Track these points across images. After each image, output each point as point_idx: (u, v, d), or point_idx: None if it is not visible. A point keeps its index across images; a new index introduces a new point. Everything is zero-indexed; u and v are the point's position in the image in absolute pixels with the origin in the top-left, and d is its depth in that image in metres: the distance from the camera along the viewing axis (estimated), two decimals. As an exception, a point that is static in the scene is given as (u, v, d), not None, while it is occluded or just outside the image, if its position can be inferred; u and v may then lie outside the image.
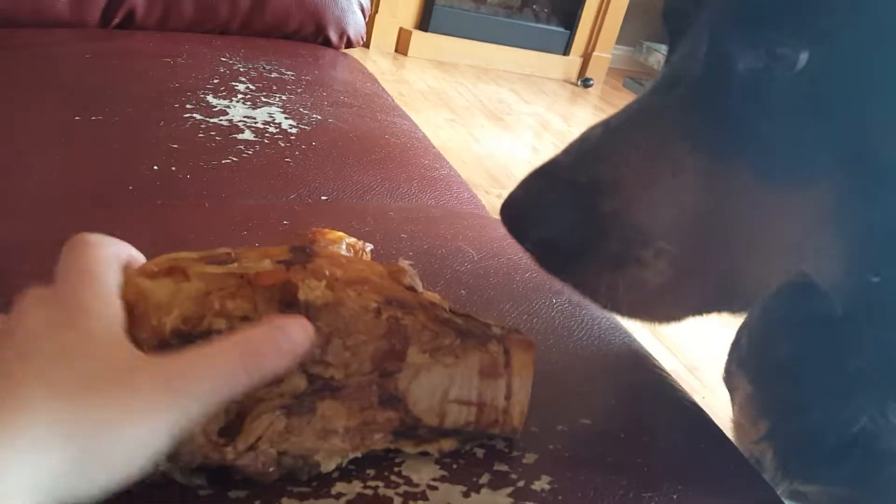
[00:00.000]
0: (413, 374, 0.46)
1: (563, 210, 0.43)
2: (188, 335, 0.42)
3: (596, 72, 4.39)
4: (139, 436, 0.35)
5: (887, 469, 0.53)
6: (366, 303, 0.45)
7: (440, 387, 0.47)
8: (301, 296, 0.44)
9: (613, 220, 0.44)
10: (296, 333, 0.42)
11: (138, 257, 0.46)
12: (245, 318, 0.43)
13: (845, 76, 0.41)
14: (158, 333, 0.42)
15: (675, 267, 0.44)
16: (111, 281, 0.42)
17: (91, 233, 0.43)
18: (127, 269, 0.44)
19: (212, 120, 0.94)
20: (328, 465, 0.46)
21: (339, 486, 0.46)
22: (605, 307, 0.47)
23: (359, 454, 0.47)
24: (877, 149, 0.42)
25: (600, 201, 0.43)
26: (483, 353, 0.47)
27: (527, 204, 0.44)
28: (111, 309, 0.40)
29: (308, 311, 0.44)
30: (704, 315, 0.48)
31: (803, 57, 0.40)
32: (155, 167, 0.81)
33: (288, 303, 0.44)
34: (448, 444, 0.49)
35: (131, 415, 0.35)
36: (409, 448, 0.48)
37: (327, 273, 0.45)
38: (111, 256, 0.43)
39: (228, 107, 0.98)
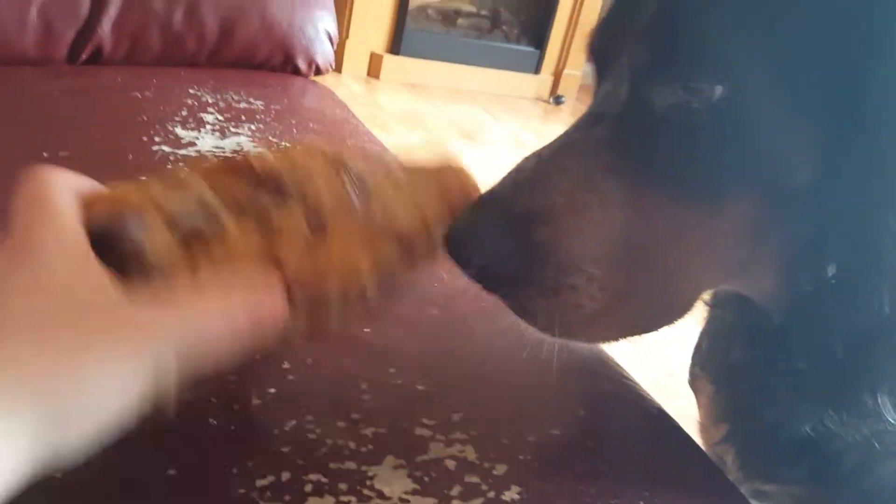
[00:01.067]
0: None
1: (499, 239, 0.46)
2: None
3: (567, 89, 4.44)
4: (113, 382, 0.33)
5: (838, 469, 0.55)
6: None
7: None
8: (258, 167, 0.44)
9: (547, 248, 0.46)
10: (274, 304, 0.40)
11: (95, 186, 0.43)
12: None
13: (755, 108, 0.44)
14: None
15: (606, 292, 0.47)
16: (66, 209, 0.38)
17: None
18: (85, 196, 0.41)
19: (180, 151, 0.94)
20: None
21: (313, 501, 0.47)
22: (542, 331, 0.49)
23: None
24: (790, 171, 0.45)
25: (534, 229, 0.46)
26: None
27: (466, 234, 0.47)
28: (69, 237, 0.37)
29: (270, 177, 0.44)
30: (637, 334, 0.50)
31: (718, 89, 0.44)
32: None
33: (254, 181, 0.44)
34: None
35: (102, 360, 0.32)
36: None
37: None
38: (62, 184, 0.40)
39: (197, 138, 0.99)
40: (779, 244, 0.49)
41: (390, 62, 3.97)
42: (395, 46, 3.98)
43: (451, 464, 0.52)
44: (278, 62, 1.43)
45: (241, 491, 0.47)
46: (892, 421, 0.50)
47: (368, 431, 0.54)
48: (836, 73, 0.43)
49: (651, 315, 0.50)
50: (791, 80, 0.43)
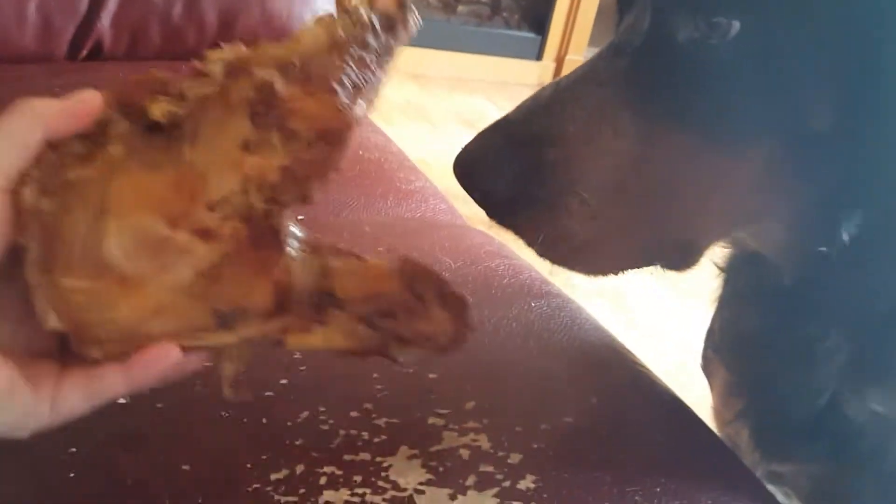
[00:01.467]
0: None
1: (509, 161, 0.47)
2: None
3: (569, 75, 4.42)
4: None
5: (857, 447, 0.54)
6: None
7: None
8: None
9: (551, 169, 0.47)
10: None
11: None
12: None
13: (773, 45, 0.44)
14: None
15: (602, 221, 0.47)
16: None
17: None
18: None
19: (185, 145, 0.94)
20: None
21: (327, 495, 0.47)
22: (540, 255, 0.49)
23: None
24: (807, 117, 0.45)
25: (545, 152, 0.47)
26: None
27: (476, 157, 0.47)
28: None
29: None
30: (640, 268, 0.51)
31: (735, 25, 0.43)
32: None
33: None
34: None
35: None
36: None
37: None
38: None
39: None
40: (795, 195, 0.48)
41: (391, 52, 3.96)
42: (397, 36, 3.96)
43: (465, 453, 0.52)
44: (279, 54, 1.42)
45: (256, 486, 0.47)
46: None
47: (381, 422, 0.54)
48: (852, 12, 0.43)
49: (653, 253, 0.50)
50: (808, 19, 0.43)
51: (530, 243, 0.48)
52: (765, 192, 0.48)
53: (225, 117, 0.40)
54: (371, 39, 0.44)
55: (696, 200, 0.48)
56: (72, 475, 0.46)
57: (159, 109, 0.39)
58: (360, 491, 0.48)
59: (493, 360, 0.64)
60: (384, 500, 0.47)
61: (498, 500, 0.48)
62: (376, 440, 0.52)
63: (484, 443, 0.53)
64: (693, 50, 0.45)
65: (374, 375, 0.58)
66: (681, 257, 0.51)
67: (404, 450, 0.52)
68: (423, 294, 0.42)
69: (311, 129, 0.40)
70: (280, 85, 0.40)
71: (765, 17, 0.44)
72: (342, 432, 0.52)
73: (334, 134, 0.40)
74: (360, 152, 1.05)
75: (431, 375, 0.60)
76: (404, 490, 0.48)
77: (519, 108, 0.49)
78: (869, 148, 0.45)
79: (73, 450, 0.48)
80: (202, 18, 1.34)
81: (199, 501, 0.45)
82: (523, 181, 0.47)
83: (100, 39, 1.29)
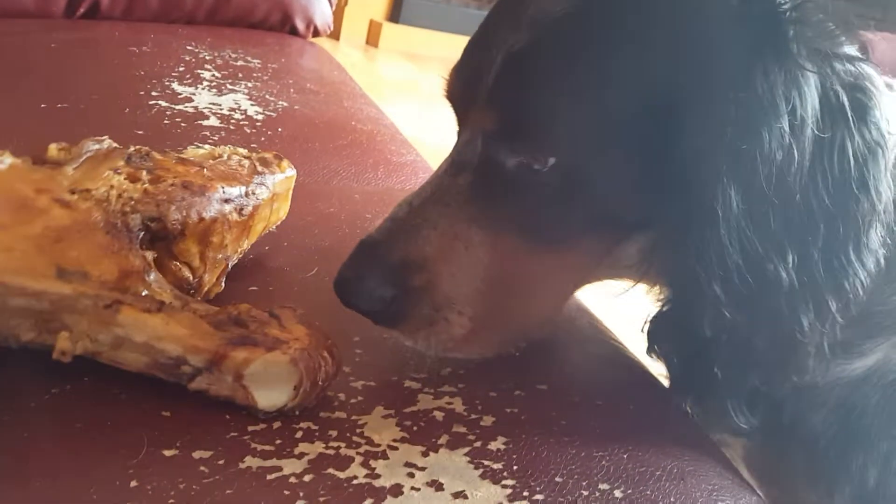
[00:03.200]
0: None
1: (380, 287, 0.53)
2: None
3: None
4: None
5: (780, 419, 0.59)
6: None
7: None
8: None
9: (422, 291, 0.54)
10: None
11: None
12: None
13: (582, 172, 0.52)
14: None
15: (474, 320, 0.54)
16: None
17: None
18: None
19: (177, 107, 0.94)
20: None
21: (302, 447, 0.48)
22: (423, 350, 0.56)
23: None
24: (620, 215, 0.54)
25: (411, 277, 0.53)
26: None
27: (353, 282, 0.54)
28: None
29: None
30: (509, 349, 0.58)
31: (551, 160, 0.51)
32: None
33: None
34: None
35: None
36: None
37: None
38: None
39: (194, 94, 0.99)
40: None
41: (389, 30, 3.95)
42: (395, 14, 3.95)
43: (439, 415, 0.53)
44: (276, 21, 1.42)
45: (233, 434, 0.48)
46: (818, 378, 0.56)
47: (359, 384, 0.55)
48: (649, 135, 0.51)
49: (515, 334, 0.58)
50: (611, 146, 0.51)
51: (416, 345, 0.55)
52: (595, 266, 0.57)
53: (105, 158, 0.56)
54: (252, 175, 0.63)
55: (542, 286, 0.56)
56: (48, 414, 0.47)
57: (54, 150, 0.56)
58: (335, 444, 0.49)
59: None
60: (358, 453, 0.48)
61: (468, 459, 0.50)
62: (353, 401, 0.53)
63: (458, 406, 0.55)
64: (520, 173, 0.52)
65: (355, 339, 0.59)
66: (541, 326, 0.59)
67: (379, 409, 0.53)
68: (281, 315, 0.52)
69: (175, 179, 0.56)
70: (155, 153, 0.58)
71: (573, 152, 0.51)
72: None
73: (194, 185, 0.56)
74: (353, 123, 1.05)
75: (410, 343, 0.61)
76: (378, 445, 0.50)
77: (381, 228, 0.55)
78: (676, 236, 0.52)
79: (55, 390, 0.49)
80: (201, -17, 1.34)
81: (178, 445, 0.46)
82: (399, 304, 0.54)
83: (97, -1, 1.29)
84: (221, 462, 0.46)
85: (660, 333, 0.57)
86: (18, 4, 1.26)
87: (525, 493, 0.48)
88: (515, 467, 0.50)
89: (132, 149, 0.58)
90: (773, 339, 0.50)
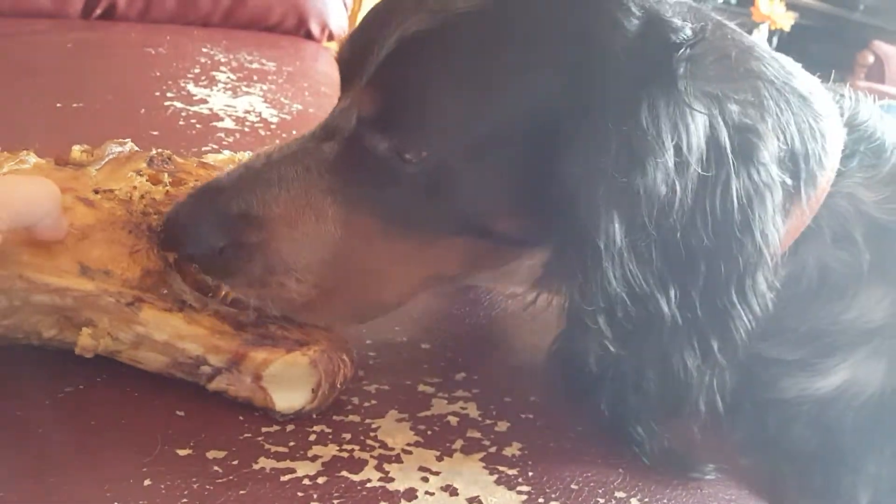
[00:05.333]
0: None
1: (213, 235, 0.49)
2: None
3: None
4: None
5: (773, 430, 0.59)
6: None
7: None
8: None
9: (256, 250, 0.50)
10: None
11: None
12: None
13: (457, 170, 0.49)
14: None
15: (318, 289, 0.51)
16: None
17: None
18: None
19: (192, 108, 0.95)
20: None
21: (316, 449, 0.48)
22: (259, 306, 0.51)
23: None
24: (490, 222, 0.51)
25: (248, 233, 0.50)
26: None
27: (184, 222, 0.50)
28: None
29: None
30: (352, 323, 0.56)
31: (423, 153, 0.49)
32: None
33: None
34: None
35: None
36: None
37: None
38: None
39: (209, 96, 1.00)
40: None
41: (401, 36, 3.95)
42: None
43: (453, 420, 0.53)
44: (291, 25, 1.43)
45: (248, 435, 0.48)
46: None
47: (372, 388, 0.55)
48: (530, 154, 0.49)
49: (364, 311, 0.55)
50: (487, 155, 0.49)
51: (248, 301, 0.51)
52: (462, 267, 0.55)
53: (128, 160, 0.56)
54: None
55: (398, 274, 0.53)
56: (63, 412, 0.47)
57: (77, 152, 0.56)
58: (348, 447, 0.49)
59: (485, 334, 0.65)
60: (372, 456, 0.48)
61: (483, 464, 0.49)
62: (367, 404, 0.53)
63: (472, 411, 0.54)
64: (389, 159, 0.50)
65: (368, 342, 0.59)
66: (388, 308, 0.56)
67: (393, 413, 0.53)
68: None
69: (195, 181, 0.55)
70: (176, 157, 0.58)
71: (448, 151, 0.49)
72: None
73: None
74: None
75: (424, 346, 0.61)
76: (392, 449, 0.49)
77: (231, 174, 0.52)
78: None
79: (69, 388, 0.49)
80: (217, -15, 1.35)
81: (191, 444, 0.46)
82: (230, 255, 0.50)
83: (114, 0, 1.29)
84: (235, 462, 0.46)
85: (554, 368, 0.55)
86: (35, 4, 1.27)
87: (540, 500, 0.47)
88: (531, 473, 0.49)
89: (154, 152, 0.58)
90: (660, 377, 0.50)
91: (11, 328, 0.47)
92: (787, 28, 3.66)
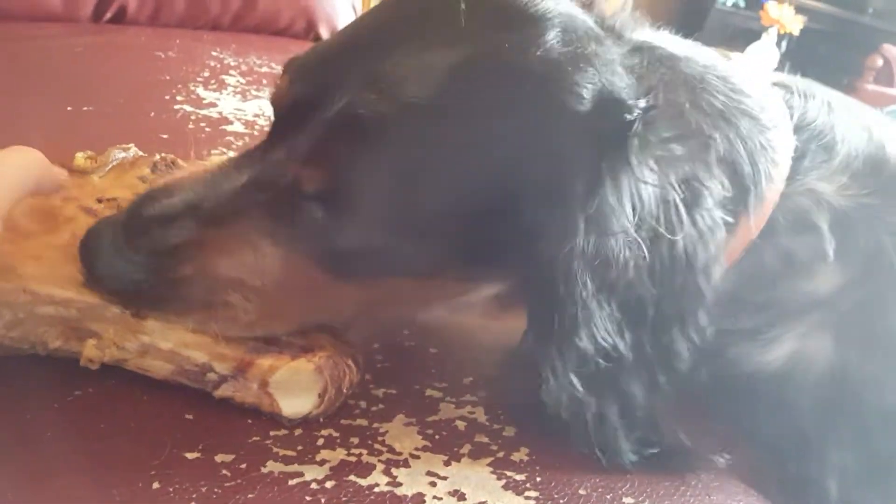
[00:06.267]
0: None
1: (137, 273, 0.48)
2: None
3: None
4: None
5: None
6: None
7: None
8: None
9: (194, 278, 0.49)
10: None
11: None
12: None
13: (391, 245, 0.49)
14: None
15: (262, 308, 0.50)
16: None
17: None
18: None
19: (202, 111, 0.95)
20: None
21: (324, 453, 0.48)
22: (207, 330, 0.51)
23: None
24: (435, 273, 0.52)
25: (181, 266, 0.49)
26: None
27: (106, 253, 0.48)
28: None
29: None
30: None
31: (359, 230, 0.49)
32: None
33: None
34: None
35: None
36: None
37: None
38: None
39: (218, 99, 1.00)
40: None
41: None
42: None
43: (461, 424, 0.53)
44: (300, 29, 1.43)
45: (256, 438, 0.48)
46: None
47: (380, 392, 0.55)
48: (478, 231, 0.50)
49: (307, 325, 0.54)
50: (433, 234, 0.50)
51: (184, 323, 0.50)
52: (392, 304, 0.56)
53: (131, 166, 0.57)
54: None
55: (331, 304, 0.53)
56: (72, 416, 0.47)
57: (81, 159, 0.58)
58: (356, 451, 0.49)
59: (493, 338, 0.65)
60: (380, 461, 0.48)
61: (491, 469, 0.49)
62: (374, 408, 0.53)
63: (480, 416, 0.54)
64: (322, 220, 0.49)
65: (375, 346, 0.59)
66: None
67: (401, 418, 0.53)
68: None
69: None
70: (180, 161, 0.59)
71: (384, 232, 0.49)
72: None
73: None
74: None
75: (432, 350, 0.61)
76: (400, 454, 0.49)
77: (164, 204, 0.50)
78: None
79: (78, 392, 0.49)
80: (226, -10, 1.36)
81: (200, 448, 0.46)
82: (163, 288, 0.49)
83: (124, 4, 1.30)
84: (243, 466, 0.46)
85: (521, 410, 0.56)
86: (45, 8, 1.28)
87: (548, 505, 0.47)
88: (539, 479, 0.49)
89: (158, 157, 0.58)
90: (619, 410, 0.52)
91: (17, 340, 0.47)
92: (796, 32, 3.66)
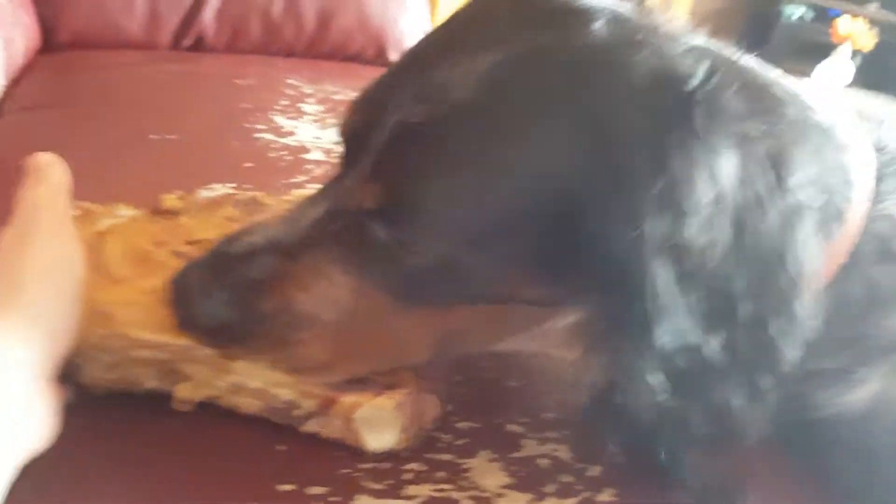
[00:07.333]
0: None
1: (227, 309, 0.50)
2: None
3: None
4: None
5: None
6: None
7: None
8: None
9: (274, 314, 0.50)
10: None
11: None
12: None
13: (460, 260, 0.49)
14: None
15: (335, 346, 0.51)
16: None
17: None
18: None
19: (281, 140, 0.97)
20: None
21: (412, 488, 0.49)
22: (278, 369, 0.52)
23: None
24: (508, 295, 0.51)
25: (262, 301, 0.50)
26: None
27: (194, 292, 0.50)
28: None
29: None
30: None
31: (424, 247, 0.49)
32: (230, 185, 0.85)
33: None
34: None
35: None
36: None
37: None
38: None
39: (296, 127, 1.02)
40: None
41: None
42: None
43: (544, 462, 0.53)
44: (371, 55, 1.45)
45: (346, 471, 0.49)
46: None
47: (463, 426, 0.55)
48: (547, 228, 0.48)
49: (380, 367, 0.54)
50: (498, 242, 0.49)
51: (264, 360, 0.51)
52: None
53: (217, 206, 0.59)
54: None
55: (400, 337, 0.53)
56: (169, 449, 0.49)
57: (170, 200, 0.61)
58: (443, 487, 0.49)
59: (576, 372, 0.65)
60: (467, 497, 0.49)
61: (577, 510, 0.49)
62: (457, 443, 0.54)
63: (563, 453, 0.54)
64: (392, 244, 0.49)
65: (457, 378, 0.60)
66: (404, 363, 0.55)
67: (484, 454, 0.53)
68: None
69: None
70: (263, 198, 0.61)
71: (450, 245, 0.49)
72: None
73: None
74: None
75: (511, 384, 0.62)
76: (485, 491, 0.50)
77: (243, 242, 0.52)
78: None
79: (173, 425, 0.50)
80: (300, 16, 1.38)
81: (293, 480, 0.47)
82: (248, 324, 0.50)
83: (202, 32, 1.34)
84: (336, 500, 0.47)
85: (599, 421, 0.54)
86: (126, 36, 1.32)
87: (635, 548, 0.47)
88: (625, 520, 0.49)
89: (242, 195, 0.60)
90: (706, 419, 0.49)
91: (115, 381, 0.49)
92: (868, 48, 3.57)
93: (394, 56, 1.46)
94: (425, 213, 0.48)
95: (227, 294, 0.50)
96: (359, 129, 0.53)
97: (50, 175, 0.49)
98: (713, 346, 0.47)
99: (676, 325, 0.46)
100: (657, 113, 0.46)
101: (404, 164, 0.49)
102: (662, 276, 0.46)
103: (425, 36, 0.57)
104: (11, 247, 0.45)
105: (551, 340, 0.58)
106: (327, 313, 0.51)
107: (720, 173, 0.46)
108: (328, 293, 0.51)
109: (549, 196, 0.48)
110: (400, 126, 0.49)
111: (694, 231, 0.45)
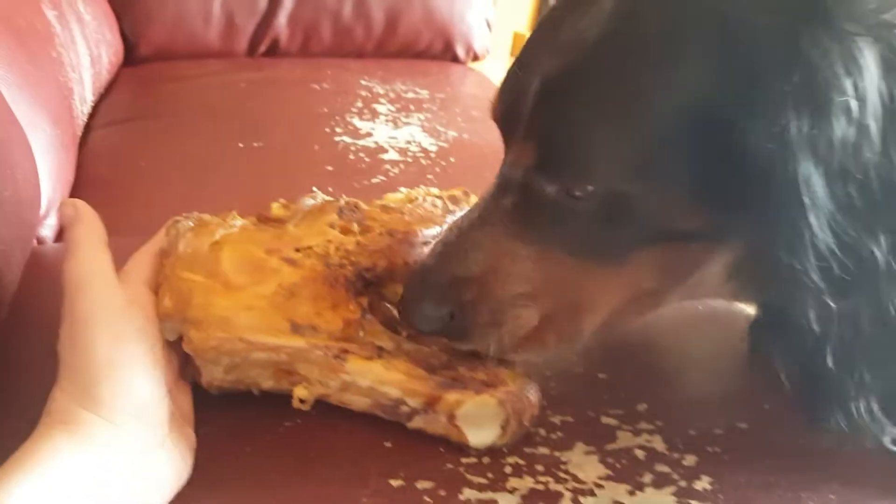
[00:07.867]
0: None
1: (437, 309, 0.55)
2: None
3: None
4: None
5: None
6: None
7: None
8: None
9: (477, 302, 0.54)
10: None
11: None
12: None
13: (627, 194, 0.51)
14: None
15: (540, 314, 0.55)
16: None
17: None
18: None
19: (360, 142, 1.00)
20: None
21: (513, 481, 0.51)
22: (495, 356, 0.56)
23: None
24: (677, 228, 0.52)
25: (462, 293, 0.55)
26: None
27: (412, 308, 0.55)
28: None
29: None
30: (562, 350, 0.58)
31: (589, 188, 0.51)
32: (314, 188, 0.88)
33: None
34: None
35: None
36: None
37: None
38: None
39: (373, 129, 1.05)
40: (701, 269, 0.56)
41: (533, 42, 3.95)
42: (538, 25, 3.95)
43: (640, 453, 0.55)
44: (438, 50, 1.47)
45: (450, 466, 0.52)
46: None
47: (557, 419, 0.57)
48: (698, 148, 0.49)
49: (569, 337, 0.57)
50: (653, 168, 0.50)
51: (486, 352, 0.55)
52: (661, 278, 0.56)
53: (320, 212, 0.61)
54: (445, 214, 0.66)
55: (595, 296, 0.55)
56: (283, 445, 0.53)
57: (276, 208, 0.62)
58: (543, 479, 0.51)
59: (661, 361, 0.66)
60: (566, 489, 0.51)
61: (676, 499, 0.51)
62: (553, 436, 0.55)
63: (658, 444, 0.55)
64: (560, 198, 0.52)
65: (547, 373, 0.61)
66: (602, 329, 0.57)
67: (581, 446, 0.55)
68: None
69: (381, 227, 0.61)
70: (362, 204, 0.63)
71: (612, 180, 0.51)
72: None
73: (398, 232, 0.61)
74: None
75: (601, 376, 0.63)
76: (584, 483, 0.51)
77: (432, 254, 0.56)
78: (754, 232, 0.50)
79: (288, 423, 0.54)
80: (369, 16, 1.42)
81: (402, 475, 0.50)
82: (458, 318, 0.55)
83: (276, 37, 1.38)
84: (443, 493, 0.49)
85: (766, 339, 0.56)
86: (204, 45, 1.38)
87: (735, 535, 0.48)
88: (724, 507, 0.50)
89: (342, 201, 0.63)
90: (877, 322, 0.48)
91: (234, 382, 0.53)
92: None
93: (460, 50, 1.48)
94: (581, 155, 0.51)
95: (434, 298, 0.54)
96: (507, 108, 0.56)
97: (85, 220, 0.52)
98: (878, 246, 0.46)
99: (833, 221, 0.46)
100: (788, 5, 0.46)
101: (554, 114, 0.52)
102: (812, 171, 0.45)
103: (548, 9, 0.59)
104: (71, 341, 0.47)
105: (705, 289, 0.60)
106: (523, 287, 0.54)
107: (860, 63, 0.45)
108: (517, 269, 0.54)
109: (696, 110, 0.49)
110: (542, 83, 0.52)
111: (838, 124, 0.45)
